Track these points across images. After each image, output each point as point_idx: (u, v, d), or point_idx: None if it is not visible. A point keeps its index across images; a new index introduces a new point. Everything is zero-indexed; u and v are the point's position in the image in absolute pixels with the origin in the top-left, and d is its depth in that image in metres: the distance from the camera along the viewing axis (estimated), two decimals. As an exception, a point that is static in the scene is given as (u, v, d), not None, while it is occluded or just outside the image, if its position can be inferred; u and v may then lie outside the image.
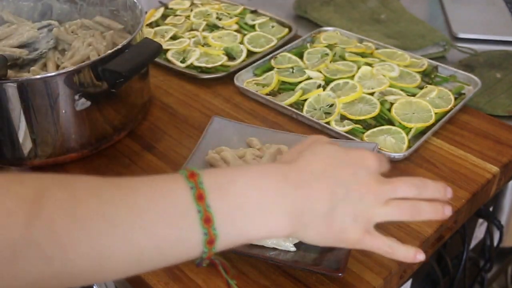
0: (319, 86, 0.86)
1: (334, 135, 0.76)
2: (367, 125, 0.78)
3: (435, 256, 0.84)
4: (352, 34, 1.00)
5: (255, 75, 0.91)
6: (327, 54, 0.93)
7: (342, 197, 0.46)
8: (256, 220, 0.44)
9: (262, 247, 0.59)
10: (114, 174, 0.72)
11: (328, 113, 0.80)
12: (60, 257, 0.38)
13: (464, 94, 0.85)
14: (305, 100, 0.83)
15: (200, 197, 0.42)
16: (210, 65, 0.92)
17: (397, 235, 0.62)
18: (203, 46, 0.97)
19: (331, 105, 0.81)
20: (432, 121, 0.78)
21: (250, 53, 0.96)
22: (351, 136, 0.75)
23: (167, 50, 0.97)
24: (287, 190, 0.45)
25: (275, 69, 0.90)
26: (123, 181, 0.43)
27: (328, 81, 0.86)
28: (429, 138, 0.77)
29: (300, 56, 0.94)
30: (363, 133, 0.76)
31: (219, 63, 0.93)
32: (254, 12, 1.09)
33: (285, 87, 0.87)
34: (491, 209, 0.96)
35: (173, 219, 0.41)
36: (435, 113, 0.79)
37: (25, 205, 0.38)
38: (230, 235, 0.43)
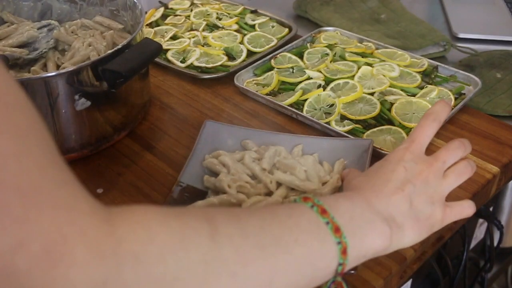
0: (319, 86, 0.86)
1: (334, 135, 0.76)
2: (367, 125, 0.78)
3: (435, 256, 0.84)
4: (352, 34, 1.00)
5: (255, 75, 0.91)
6: (327, 54, 0.93)
7: (412, 190, 0.51)
8: (367, 231, 0.47)
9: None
10: (114, 174, 0.72)
11: (328, 113, 0.80)
12: (242, 273, 0.39)
13: (464, 94, 0.85)
14: (305, 100, 0.83)
15: (323, 212, 0.46)
16: (210, 65, 0.92)
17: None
18: (203, 46, 0.97)
19: (331, 105, 0.81)
20: (432, 121, 0.78)
21: (250, 53, 0.96)
22: (351, 136, 0.75)
23: (167, 50, 0.97)
24: (373, 201, 0.49)
25: (275, 69, 0.90)
26: (254, 208, 0.48)
27: (328, 81, 0.86)
28: (429, 138, 0.76)
29: (300, 56, 0.94)
30: (363, 133, 0.76)
31: (219, 63, 0.93)
32: (254, 12, 1.09)
33: (285, 87, 0.87)
34: (491, 209, 0.96)
35: (313, 233, 0.44)
36: (435, 113, 0.79)
37: (204, 223, 0.39)
38: (356, 245, 0.46)
